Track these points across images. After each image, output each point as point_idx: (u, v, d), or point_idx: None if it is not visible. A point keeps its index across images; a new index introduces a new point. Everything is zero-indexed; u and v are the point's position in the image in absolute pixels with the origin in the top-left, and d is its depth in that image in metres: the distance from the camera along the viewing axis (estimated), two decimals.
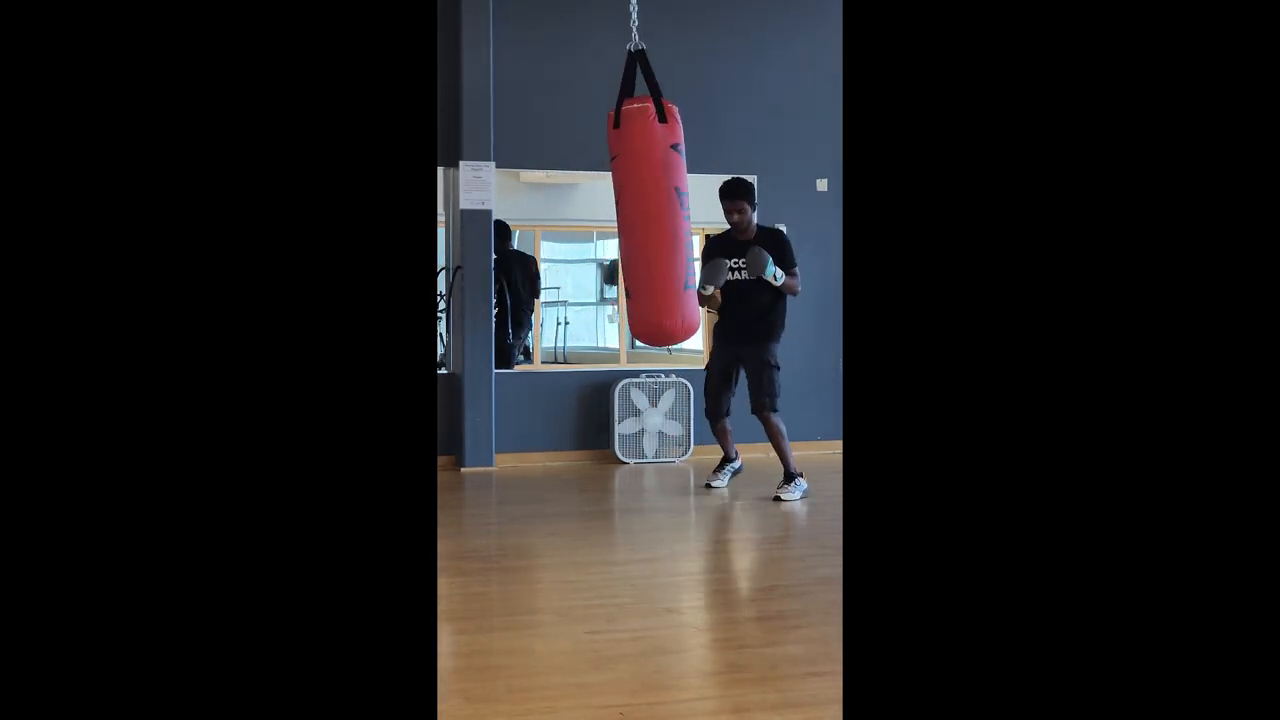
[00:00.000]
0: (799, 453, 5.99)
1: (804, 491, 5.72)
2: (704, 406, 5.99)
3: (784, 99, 7.53)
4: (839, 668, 2.77)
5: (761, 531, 5.26)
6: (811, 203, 7.60)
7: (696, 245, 6.11)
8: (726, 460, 6.08)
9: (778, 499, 5.63)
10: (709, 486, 6.03)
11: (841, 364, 6.56)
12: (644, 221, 4.80)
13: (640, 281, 4.85)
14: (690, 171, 7.18)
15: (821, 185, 7.62)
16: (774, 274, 5.54)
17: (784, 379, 5.76)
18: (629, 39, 4.77)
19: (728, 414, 5.89)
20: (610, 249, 7.57)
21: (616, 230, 5.05)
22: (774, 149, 7.52)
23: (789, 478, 5.71)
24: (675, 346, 8.20)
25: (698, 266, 5.68)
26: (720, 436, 5.99)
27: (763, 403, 5.66)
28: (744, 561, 4.79)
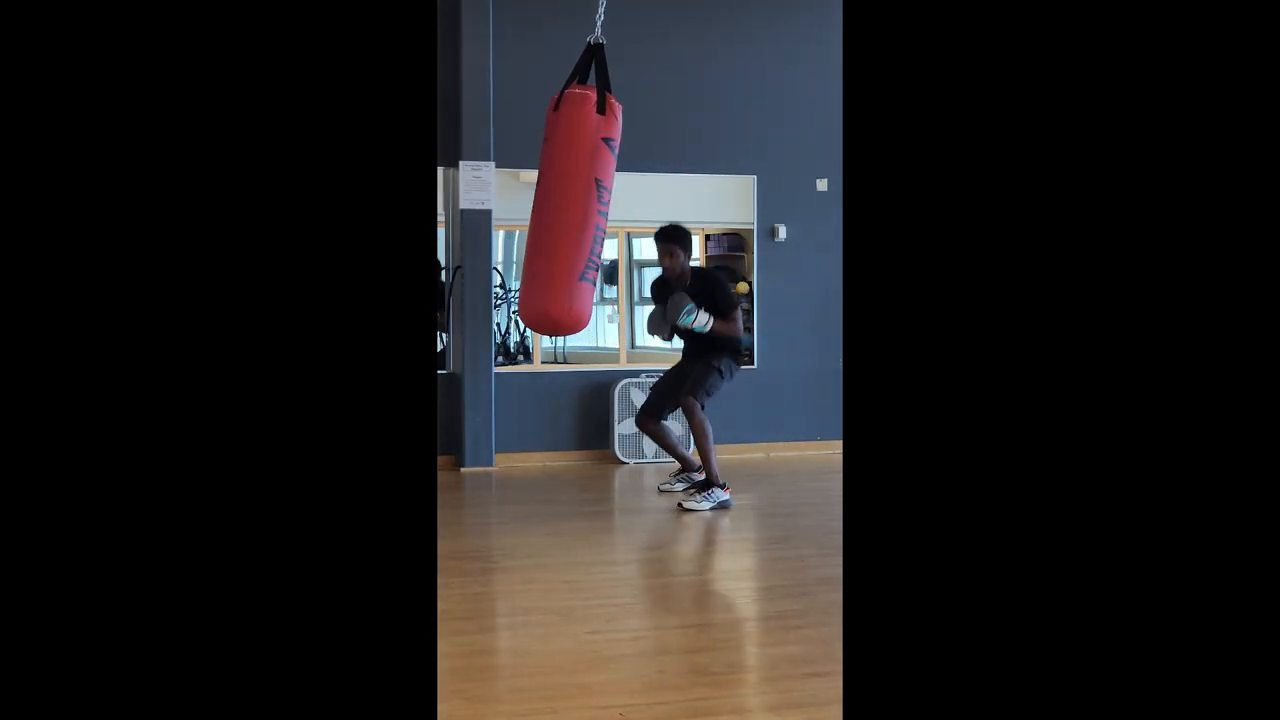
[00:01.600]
0: (798, 453, 5.98)
1: (720, 503, 5.51)
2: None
3: (784, 99, 7.53)
4: (839, 668, 2.77)
5: (761, 531, 5.27)
6: (811, 203, 7.60)
7: (612, 246, 6.04)
8: (685, 468, 6.00)
9: (681, 505, 5.50)
10: (661, 489, 5.99)
11: (841, 364, 6.56)
12: (556, 204, 4.53)
13: (537, 265, 4.56)
14: (691, 172, 7.18)
15: (821, 185, 7.63)
16: (691, 322, 5.42)
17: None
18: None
19: (661, 419, 5.81)
20: (610, 249, 7.59)
21: (530, 213, 4.68)
22: (774, 149, 7.53)
23: (704, 485, 5.55)
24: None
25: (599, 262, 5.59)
26: (658, 439, 5.89)
27: (692, 389, 5.55)
28: (744, 561, 4.79)
